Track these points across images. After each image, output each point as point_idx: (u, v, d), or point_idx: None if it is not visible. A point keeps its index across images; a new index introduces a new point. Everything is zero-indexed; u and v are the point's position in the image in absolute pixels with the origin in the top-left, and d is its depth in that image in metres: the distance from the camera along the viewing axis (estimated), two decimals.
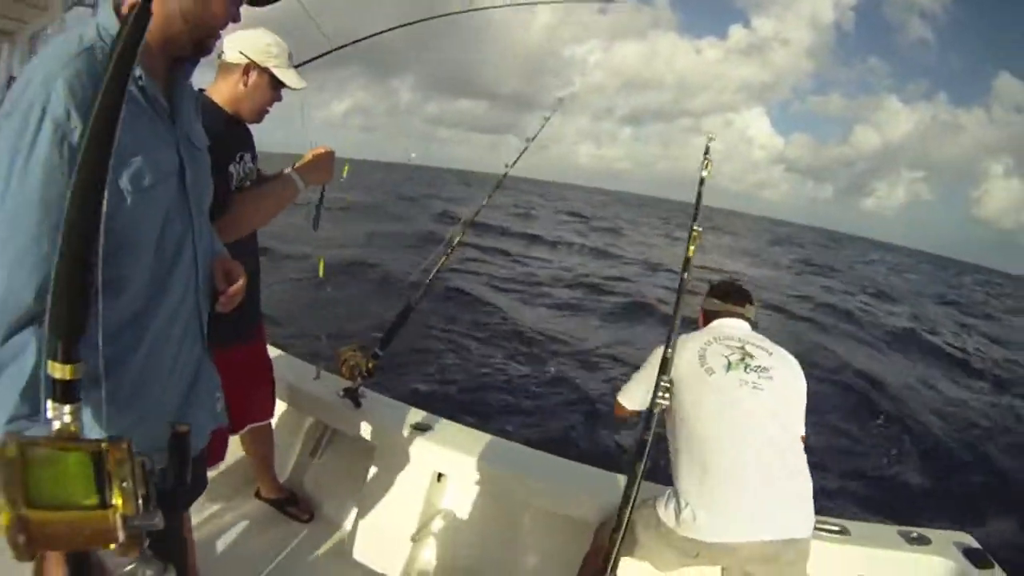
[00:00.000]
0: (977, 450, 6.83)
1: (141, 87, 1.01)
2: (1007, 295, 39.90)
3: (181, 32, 1.05)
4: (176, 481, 0.66)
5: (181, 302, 1.16)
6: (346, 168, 2.11)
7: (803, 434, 1.84)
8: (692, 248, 1.87)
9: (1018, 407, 9.19)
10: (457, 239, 2.73)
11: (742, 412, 1.77)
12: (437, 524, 2.43)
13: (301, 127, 2.08)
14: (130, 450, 0.56)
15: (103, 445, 0.55)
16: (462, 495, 2.44)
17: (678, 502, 1.73)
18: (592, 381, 6.95)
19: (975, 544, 2.06)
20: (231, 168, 1.78)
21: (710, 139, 2.05)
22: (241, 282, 1.34)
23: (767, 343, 1.95)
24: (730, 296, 2.10)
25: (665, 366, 1.71)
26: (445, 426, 2.44)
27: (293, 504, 2.57)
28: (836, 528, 2.04)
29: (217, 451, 1.94)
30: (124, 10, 1.00)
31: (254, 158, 1.93)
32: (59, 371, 0.58)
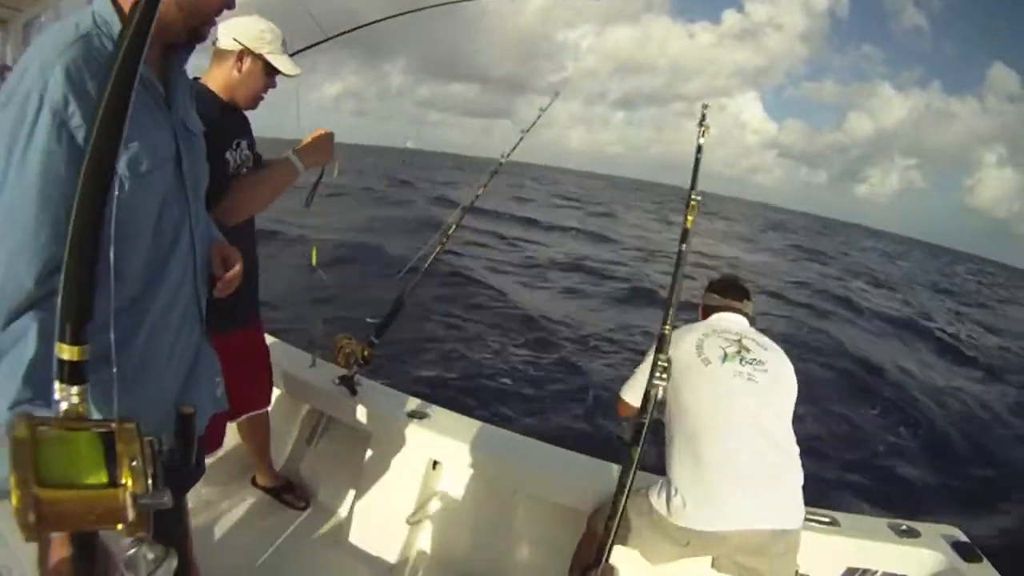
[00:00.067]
0: (970, 442, 6.89)
1: None
2: (1000, 284, 40.21)
3: (176, 19, 1.05)
4: (181, 462, 0.67)
5: (179, 287, 1.17)
6: (336, 169, 2.11)
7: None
8: (691, 218, 1.84)
9: (1010, 397, 9.29)
10: (452, 227, 2.74)
11: (736, 403, 1.79)
12: (432, 511, 2.45)
13: (295, 112, 2.08)
14: (139, 430, 0.57)
15: (112, 425, 0.56)
16: (457, 482, 2.46)
17: (670, 490, 1.75)
18: (590, 366, 6.96)
19: (963, 537, 2.09)
20: (227, 155, 1.78)
21: (705, 106, 2.02)
22: (238, 268, 1.35)
23: (763, 339, 1.99)
24: (729, 291, 2.14)
25: (662, 344, 1.69)
26: (440, 414, 2.45)
27: (289, 491, 2.58)
28: (826, 520, 2.06)
29: (215, 437, 1.96)
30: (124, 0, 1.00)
31: (251, 145, 1.92)
32: (67, 352, 0.58)
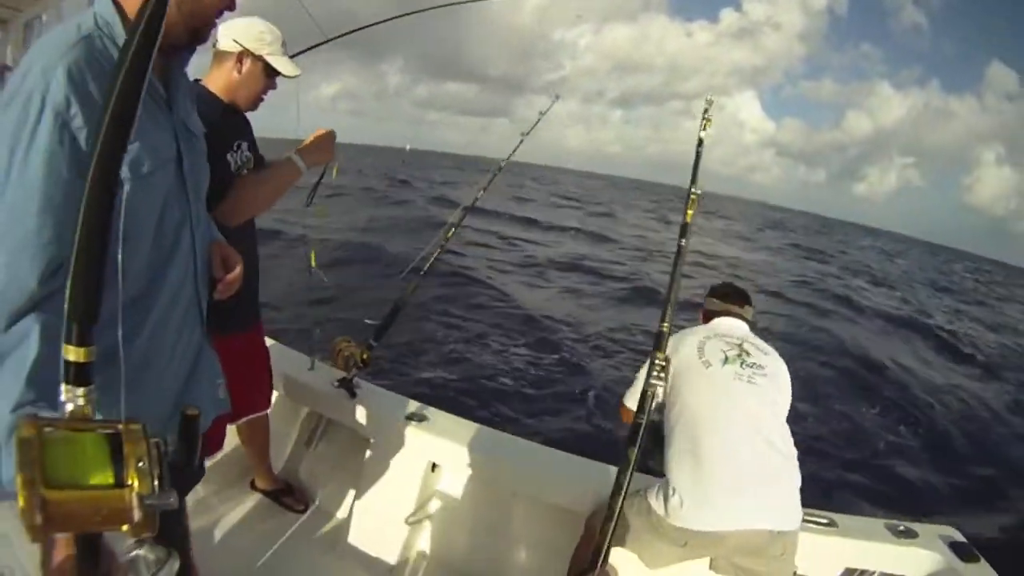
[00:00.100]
0: (969, 440, 6.90)
1: None
2: (998, 283, 40.27)
3: (177, 21, 1.05)
4: (184, 463, 0.67)
5: (180, 288, 1.17)
6: (336, 170, 2.12)
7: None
8: (691, 212, 1.85)
9: (1009, 394, 9.30)
10: (452, 230, 2.74)
11: (737, 404, 1.80)
12: (431, 514, 2.45)
13: (295, 112, 2.08)
14: (145, 431, 0.58)
15: (119, 426, 0.57)
16: (456, 485, 2.45)
17: (669, 491, 1.76)
18: (591, 366, 6.95)
19: (961, 538, 2.10)
20: (228, 157, 1.78)
21: (710, 101, 2.02)
22: (238, 269, 1.35)
23: (763, 344, 2.01)
24: (730, 297, 2.17)
25: (660, 342, 1.69)
26: (439, 416, 2.45)
27: (288, 494, 2.58)
28: (824, 521, 2.07)
29: (216, 440, 1.96)
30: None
31: (252, 146, 1.92)
32: (73, 354, 0.59)
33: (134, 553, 0.69)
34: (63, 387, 0.59)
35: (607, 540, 1.62)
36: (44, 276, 0.90)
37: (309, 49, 2.28)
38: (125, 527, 0.56)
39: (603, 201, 42.99)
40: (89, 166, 0.90)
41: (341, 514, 2.53)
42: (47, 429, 0.54)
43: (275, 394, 2.50)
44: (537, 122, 2.95)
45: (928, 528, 2.14)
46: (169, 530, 0.61)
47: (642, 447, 1.64)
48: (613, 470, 2.18)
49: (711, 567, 1.87)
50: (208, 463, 1.88)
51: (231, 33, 1.76)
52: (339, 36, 2.40)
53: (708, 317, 2.16)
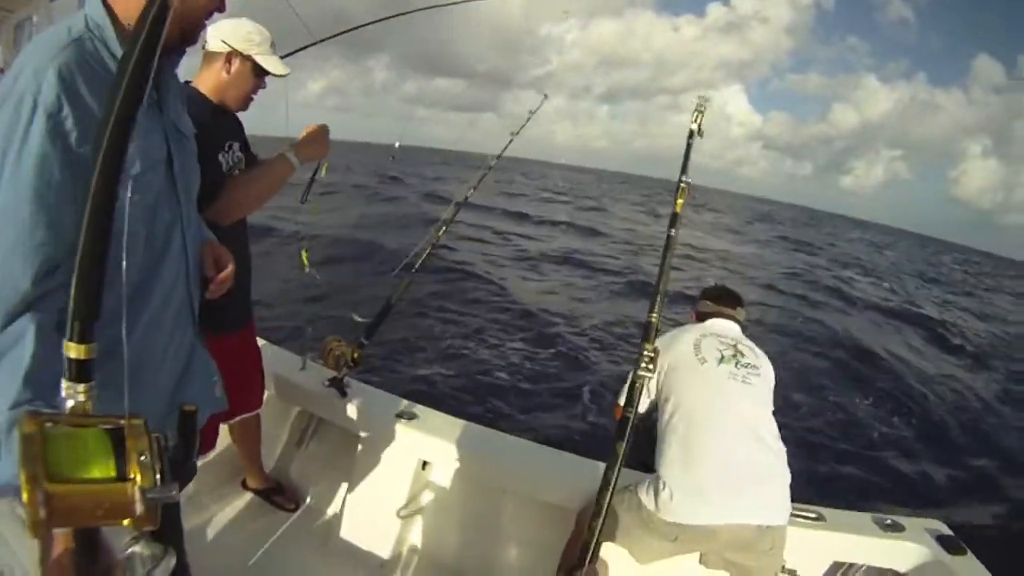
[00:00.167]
0: (960, 431, 6.93)
1: None
2: (986, 274, 40.63)
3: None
4: (184, 460, 0.68)
5: (172, 289, 1.18)
6: (325, 167, 2.12)
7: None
8: (680, 202, 1.86)
9: (998, 384, 9.39)
10: (443, 229, 2.76)
11: (732, 403, 1.83)
12: (422, 511, 2.46)
13: (283, 110, 2.09)
14: (146, 426, 0.59)
15: (121, 421, 0.58)
16: (446, 482, 2.47)
17: (660, 486, 1.77)
18: (584, 359, 6.94)
19: (947, 531, 2.13)
20: (220, 157, 1.78)
21: (706, 99, 2.03)
22: (230, 268, 1.36)
23: (754, 347, 2.04)
24: (722, 299, 2.20)
25: (649, 332, 1.69)
26: (429, 414, 2.46)
27: (279, 493, 2.59)
28: (812, 515, 2.10)
29: (209, 439, 1.96)
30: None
31: (243, 147, 1.92)
32: (75, 351, 0.60)
33: (130, 550, 0.70)
34: (64, 383, 0.60)
35: (595, 536, 1.63)
36: (38, 276, 0.90)
37: (299, 51, 2.28)
38: (127, 521, 0.57)
39: (592, 195, 42.95)
40: (80, 166, 0.91)
41: (332, 513, 2.54)
42: (48, 424, 0.55)
43: (266, 393, 2.49)
44: (526, 122, 2.97)
45: (915, 522, 2.17)
46: (166, 527, 0.62)
47: (631, 441, 1.64)
48: (602, 466, 2.21)
49: (701, 562, 1.90)
50: (200, 462, 1.88)
51: (220, 34, 1.77)
52: (329, 37, 2.40)
53: (701, 319, 2.18)
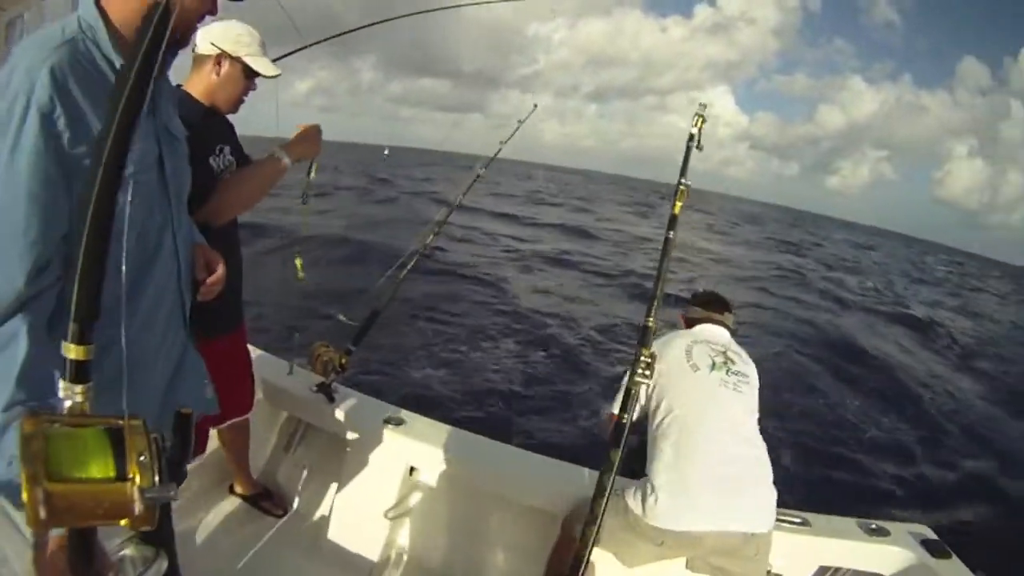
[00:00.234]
0: (949, 432, 6.97)
1: None
2: (971, 274, 41.12)
3: None
4: (179, 462, 0.68)
5: (163, 291, 1.18)
6: (316, 167, 2.12)
7: None
8: (679, 204, 1.86)
9: (984, 383, 9.49)
10: (431, 236, 2.77)
11: (724, 410, 1.85)
12: (409, 516, 2.46)
13: (273, 110, 2.08)
14: (145, 426, 0.59)
15: (119, 421, 0.58)
16: (433, 488, 2.47)
17: (648, 490, 1.78)
18: (578, 362, 6.87)
19: (932, 535, 2.15)
20: (211, 161, 1.77)
21: (704, 106, 2.05)
22: (220, 271, 1.36)
23: (742, 352, 2.06)
24: (711, 304, 2.21)
25: (646, 337, 1.68)
26: (416, 420, 2.47)
27: (267, 499, 2.57)
28: (798, 520, 2.11)
29: (200, 442, 1.95)
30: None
31: (235, 150, 1.91)
32: (73, 352, 0.60)
33: (122, 552, 0.70)
34: (61, 384, 0.60)
35: (589, 547, 1.62)
36: (31, 275, 0.90)
37: (290, 54, 2.28)
38: (126, 520, 0.57)
39: (582, 196, 42.93)
40: (72, 166, 0.92)
41: (319, 518, 2.53)
42: (48, 424, 0.55)
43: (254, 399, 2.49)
44: (515, 131, 3.01)
45: (900, 526, 2.19)
46: (158, 530, 0.62)
47: (626, 449, 1.65)
48: (587, 472, 2.21)
49: (687, 567, 1.90)
50: (188, 467, 1.86)
51: (209, 36, 1.76)
52: (321, 41, 2.40)
53: (690, 325, 2.19)
